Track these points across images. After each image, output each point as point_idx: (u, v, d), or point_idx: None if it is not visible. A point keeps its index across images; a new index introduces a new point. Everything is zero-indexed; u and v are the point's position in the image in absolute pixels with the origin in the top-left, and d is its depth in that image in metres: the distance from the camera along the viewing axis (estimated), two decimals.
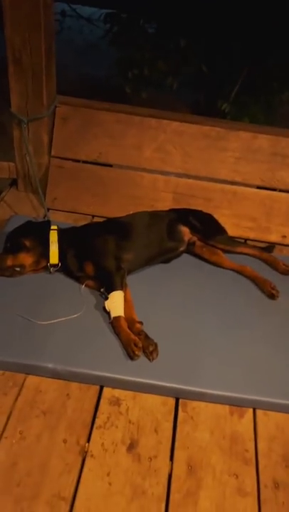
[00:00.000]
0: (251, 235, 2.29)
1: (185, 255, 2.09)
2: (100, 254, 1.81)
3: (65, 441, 1.37)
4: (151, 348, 1.57)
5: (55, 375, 1.52)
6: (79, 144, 2.31)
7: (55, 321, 1.64)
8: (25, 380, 1.52)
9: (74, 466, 1.32)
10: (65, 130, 2.30)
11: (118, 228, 1.95)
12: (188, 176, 2.32)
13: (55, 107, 2.28)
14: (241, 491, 1.32)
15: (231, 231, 2.21)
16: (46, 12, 1.94)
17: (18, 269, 1.79)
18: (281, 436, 1.47)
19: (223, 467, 1.37)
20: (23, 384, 1.51)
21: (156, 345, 1.59)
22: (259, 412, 1.53)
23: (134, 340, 1.57)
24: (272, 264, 2.08)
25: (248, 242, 2.27)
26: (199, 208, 2.23)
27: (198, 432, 1.45)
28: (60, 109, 2.29)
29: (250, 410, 1.53)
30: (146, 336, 1.60)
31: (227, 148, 2.29)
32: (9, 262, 1.78)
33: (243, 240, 2.27)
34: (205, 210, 2.22)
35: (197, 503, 1.28)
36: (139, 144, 2.29)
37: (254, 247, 2.17)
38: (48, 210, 2.33)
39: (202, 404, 1.53)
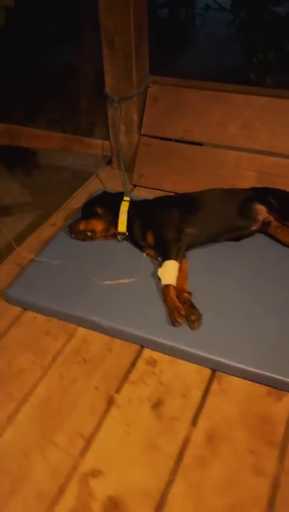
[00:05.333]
0: None
1: (260, 235, 2.01)
2: (162, 224, 1.86)
3: (96, 388, 1.47)
4: (193, 317, 1.57)
5: (101, 329, 1.63)
6: (167, 122, 2.37)
7: (110, 282, 1.75)
8: (76, 330, 1.67)
9: (99, 410, 1.41)
10: (155, 109, 2.39)
11: (186, 202, 1.97)
12: (275, 154, 2.20)
13: (147, 86, 2.38)
14: (258, 470, 1.26)
15: None
16: None
17: (89, 233, 1.95)
18: None
19: (245, 444, 1.32)
20: (73, 334, 1.66)
21: (200, 315, 1.59)
22: None
23: (178, 308, 1.59)
24: None
25: None
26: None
27: (227, 405, 1.41)
28: (152, 88, 2.38)
29: None
30: (192, 305, 1.61)
31: None
32: (82, 227, 1.96)
33: None
34: None
35: (208, 471, 1.26)
36: (224, 121, 2.25)
37: None
38: (135, 186, 2.45)
39: (239, 380, 1.48)
